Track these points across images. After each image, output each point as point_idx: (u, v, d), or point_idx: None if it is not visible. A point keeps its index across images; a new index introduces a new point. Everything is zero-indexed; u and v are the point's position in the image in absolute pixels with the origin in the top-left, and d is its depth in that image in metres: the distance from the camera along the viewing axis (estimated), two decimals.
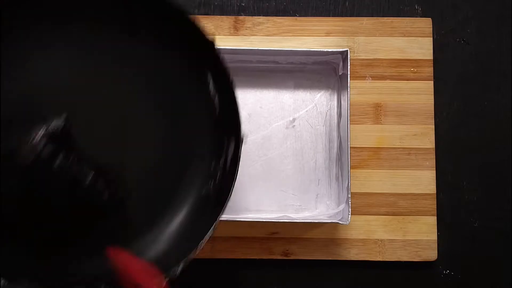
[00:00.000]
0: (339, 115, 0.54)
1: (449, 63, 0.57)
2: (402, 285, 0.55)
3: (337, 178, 0.54)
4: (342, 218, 0.49)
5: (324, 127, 0.55)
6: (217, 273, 0.55)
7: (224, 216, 0.52)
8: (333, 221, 0.49)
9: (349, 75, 0.50)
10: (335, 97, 0.55)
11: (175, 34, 0.32)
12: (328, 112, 0.55)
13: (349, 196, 0.49)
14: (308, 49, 0.53)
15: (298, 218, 0.52)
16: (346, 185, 0.49)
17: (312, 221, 0.51)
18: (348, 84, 0.50)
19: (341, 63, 0.53)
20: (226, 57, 0.53)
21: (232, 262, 0.54)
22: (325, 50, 0.52)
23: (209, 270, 0.55)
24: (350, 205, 0.49)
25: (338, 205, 0.52)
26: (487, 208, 0.55)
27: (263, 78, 0.55)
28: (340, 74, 0.54)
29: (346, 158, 0.50)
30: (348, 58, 0.50)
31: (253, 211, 0.53)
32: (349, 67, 0.50)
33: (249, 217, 0.53)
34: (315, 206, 0.54)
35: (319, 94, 0.55)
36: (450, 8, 0.58)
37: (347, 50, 0.51)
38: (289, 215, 0.53)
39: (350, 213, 0.48)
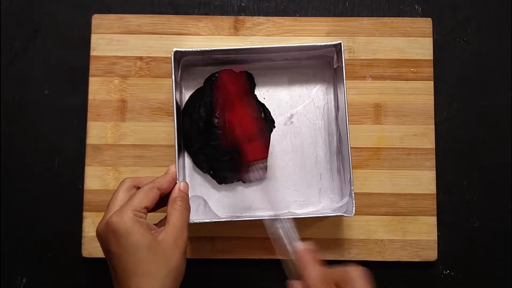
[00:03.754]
0: (337, 108, 0.54)
1: (449, 63, 0.57)
2: (402, 285, 0.55)
3: (339, 171, 0.53)
4: (346, 210, 0.49)
5: (323, 121, 0.55)
6: (217, 273, 0.55)
7: (228, 215, 0.52)
8: (338, 214, 0.49)
9: (344, 67, 0.50)
10: (332, 90, 0.55)
11: None
12: (325, 106, 0.55)
13: (352, 188, 0.48)
14: (301, 44, 0.52)
15: (302, 213, 0.52)
16: (348, 178, 0.49)
17: (317, 215, 0.50)
18: (344, 76, 0.50)
19: (335, 56, 0.53)
20: (220, 57, 0.53)
21: (232, 262, 0.54)
22: (318, 44, 0.51)
23: (209, 270, 0.55)
24: (353, 197, 0.48)
25: (342, 198, 0.52)
26: (487, 208, 0.55)
27: (259, 77, 0.55)
28: (335, 67, 0.53)
29: (347, 151, 0.49)
30: (342, 51, 0.50)
31: (256, 209, 0.53)
32: (343, 59, 0.50)
33: (252, 215, 0.53)
34: (318, 200, 0.54)
35: (315, 89, 0.55)
36: (450, 8, 0.58)
37: (340, 43, 0.50)
38: (293, 211, 0.53)
39: (354, 205, 0.48)
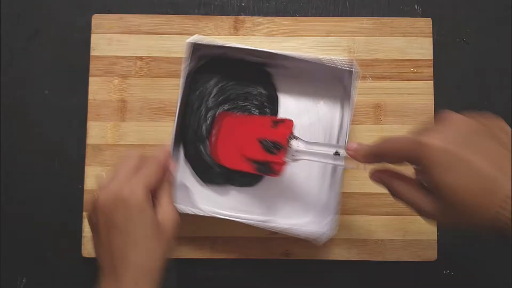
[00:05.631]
0: (340, 125, 0.53)
1: (449, 63, 0.57)
2: (402, 285, 0.55)
3: (329, 189, 0.52)
4: (328, 229, 0.48)
5: (324, 136, 0.54)
6: (217, 273, 0.55)
7: (211, 210, 0.52)
8: (310, 237, 0.48)
9: (353, 89, 0.48)
10: (338, 107, 0.54)
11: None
12: (329, 122, 0.54)
13: (338, 208, 0.48)
14: (318, 57, 0.50)
15: (284, 224, 0.51)
16: (337, 198, 0.49)
17: (295, 232, 0.48)
18: (352, 97, 0.48)
19: (347, 76, 0.51)
20: (231, 56, 0.53)
21: (232, 262, 0.54)
22: (334, 59, 0.49)
23: (209, 270, 0.55)
24: (337, 218, 0.48)
25: (328, 215, 0.50)
26: None
27: None
28: (345, 86, 0.52)
29: (341, 170, 0.49)
30: (355, 72, 0.48)
31: (242, 211, 0.53)
32: (353, 80, 0.48)
33: (235, 216, 0.51)
34: (304, 214, 0.53)
35: (322, 103, 0.55)
36: (450, 8, 0.58)
37: (353, 64, 0.48)
38: (277, 219, 0.52)
39: (337, 225, 0.48)
